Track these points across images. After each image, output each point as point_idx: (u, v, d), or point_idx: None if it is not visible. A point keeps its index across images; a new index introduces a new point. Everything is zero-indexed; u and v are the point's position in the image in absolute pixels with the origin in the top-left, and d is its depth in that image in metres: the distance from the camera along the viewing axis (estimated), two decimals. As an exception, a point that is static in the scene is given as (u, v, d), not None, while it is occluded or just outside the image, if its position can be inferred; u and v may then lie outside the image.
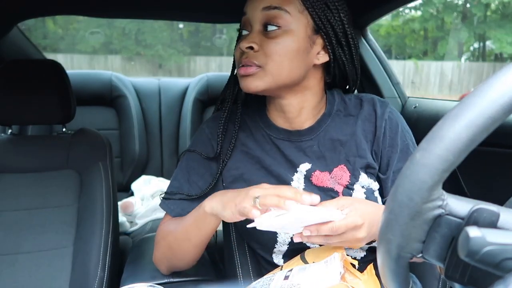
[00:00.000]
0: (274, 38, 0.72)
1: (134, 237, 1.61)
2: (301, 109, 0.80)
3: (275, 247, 0.79)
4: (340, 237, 0.64)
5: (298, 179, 0.79)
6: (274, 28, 0.72)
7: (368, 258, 0.82)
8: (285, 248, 0.78)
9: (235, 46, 0.79)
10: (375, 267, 0.78)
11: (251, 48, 0.72)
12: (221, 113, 0.84)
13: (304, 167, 0.80)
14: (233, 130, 0.84)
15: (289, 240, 0.78)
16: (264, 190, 0.65)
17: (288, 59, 0.73)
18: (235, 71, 0.80)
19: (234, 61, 0.82)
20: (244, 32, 0.77)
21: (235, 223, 0.90)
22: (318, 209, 0.63)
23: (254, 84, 0.73)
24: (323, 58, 0.77)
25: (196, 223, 0.75)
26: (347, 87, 0.87)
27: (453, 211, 0.34)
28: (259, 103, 0.86)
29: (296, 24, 0.72)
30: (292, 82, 0.75)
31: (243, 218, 0.67)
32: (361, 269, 0.80)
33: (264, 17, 0.72)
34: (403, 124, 0.82)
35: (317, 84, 0.80)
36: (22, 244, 1.06)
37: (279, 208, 0.61)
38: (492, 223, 0.32)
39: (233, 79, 0.84)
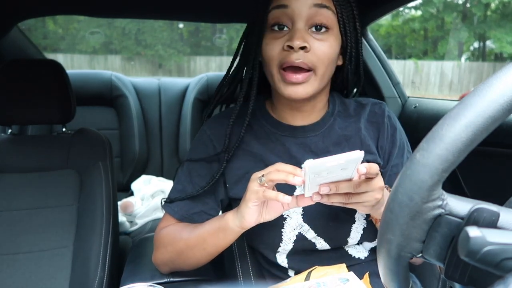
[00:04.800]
0: (323, 40, 0.69)
1: (134, 237, 1.61)
2: (313, 107, 0.80)
3: (280, 246, 0.79)
4: (359, 196, 0.61)
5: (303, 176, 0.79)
6: (323, 29, 0.69)
7: (371, 258, 0.82)
8: (290, 246, 0.78)
9: (259, 43, 0.71)
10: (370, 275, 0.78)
11: (304, 47, 0.67)
12: (229, 114, 0.80)
13: None
14: (239, 130, 0.81)
15: (295, 237, 0.77)
16: (264, 170, 0.64)
17: (332, 62, 0.73)
18: (259, 71, 0.75)
19: (244, 60, 0.78)
20: (280, 28, 0.68)
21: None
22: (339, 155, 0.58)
23: (305, 91, 0.70)
24: (340, 60, 0.78)
25: (217, 233, 0.74)
26: (345, 92, 0.89)
27: (453, 211, 0.34)
28: (258, 100, 0.85)
29: (336, 25, 0.71)
30: (327, 85, 0.76)
31: (268, 218, 0.67)
32: (364, 268, 0.80)
33: (314, 15, 0.67)
34: (399, 123, 0.86)
35: (329, 83, 0.81)
36: (22, 244, 1.06)
37: (286, 181, 0.61)
38: (492, 223, 0.32)
39: (248, 79, 0.78)
